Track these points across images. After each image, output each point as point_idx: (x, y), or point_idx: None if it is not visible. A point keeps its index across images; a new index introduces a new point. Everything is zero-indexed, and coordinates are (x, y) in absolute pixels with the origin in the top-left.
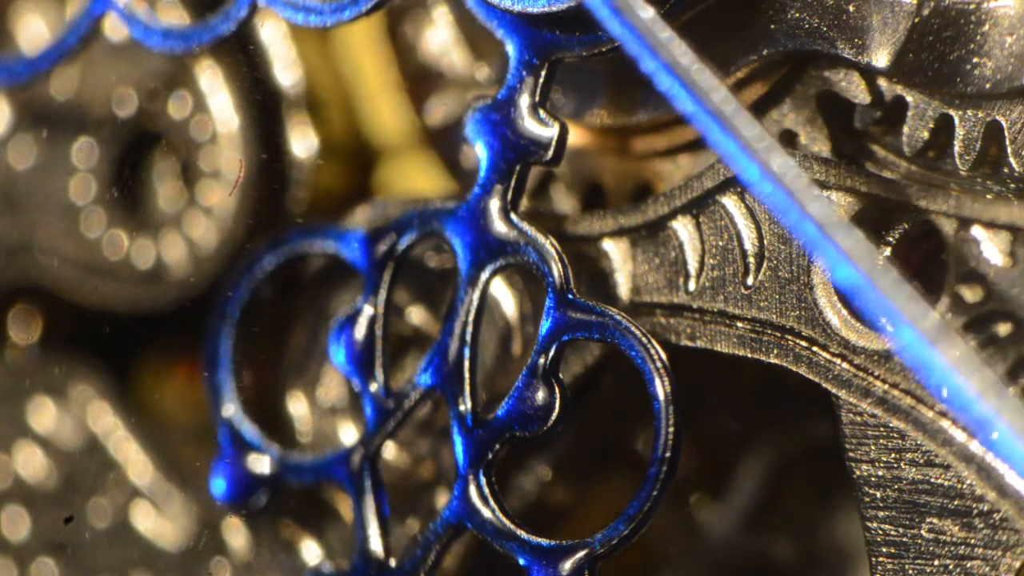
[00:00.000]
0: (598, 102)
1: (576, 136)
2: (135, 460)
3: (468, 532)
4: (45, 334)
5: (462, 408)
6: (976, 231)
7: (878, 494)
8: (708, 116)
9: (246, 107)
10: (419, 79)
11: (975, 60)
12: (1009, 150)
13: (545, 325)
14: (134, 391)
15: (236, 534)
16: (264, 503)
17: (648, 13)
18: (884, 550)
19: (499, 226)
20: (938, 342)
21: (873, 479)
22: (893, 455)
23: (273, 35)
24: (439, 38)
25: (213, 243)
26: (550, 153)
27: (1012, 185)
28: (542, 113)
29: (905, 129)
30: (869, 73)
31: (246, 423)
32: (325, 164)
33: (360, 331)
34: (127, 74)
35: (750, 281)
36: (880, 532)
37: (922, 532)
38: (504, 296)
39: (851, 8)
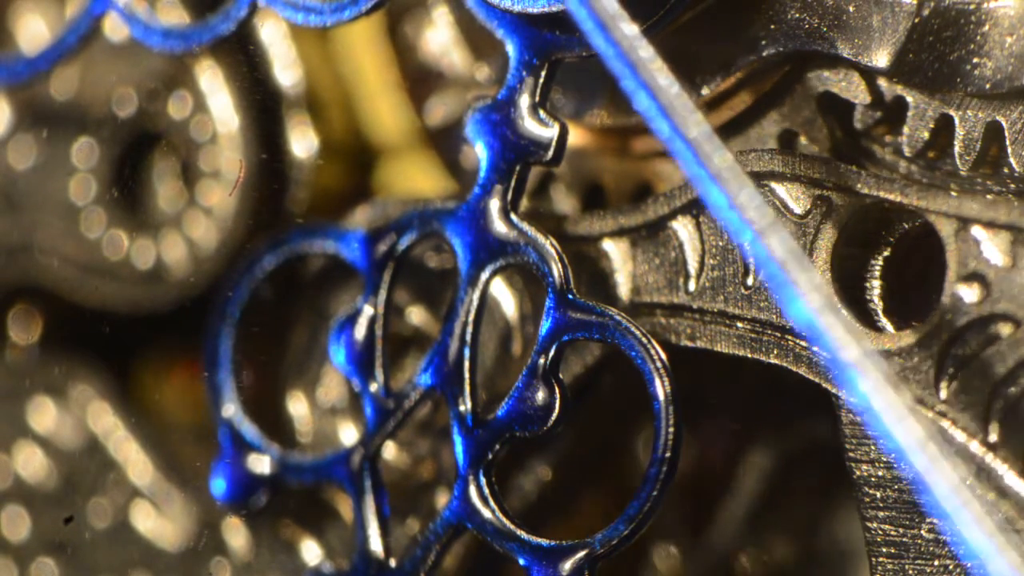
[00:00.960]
0: (598, 102)
1: (576, 136)
2: (135, 460)
3: (468, 532)
4: (45, 334)
5: (462, 408)
6: (976, 231)
7: (878, 494)
8: (682, 141)
9: (246, 107)
10: (419, 79)
11: (975, 60)
12: (1009, 150)
13: (545, 325)
14: (134, 391)
15: (236, 534)
16: (264, 503)
17: (632, 30)
18: (884, 550)
19: (499, 226)
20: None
21: (873, 479)
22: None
23: (273, 35)
24: (439, 38)
25: (213, 243)
26: (550, 153)
27: (1012, 185)
28: (542, 113)
29: (905, 129)
30: (869, 73)
31: (246, 423)
32: (325, 164)
33: (360, 331)
34: (127, 74)
35: (750, 281)
36: (880, 532)
37: (922, 532)
38: (504, 296)
39: (851, 8)
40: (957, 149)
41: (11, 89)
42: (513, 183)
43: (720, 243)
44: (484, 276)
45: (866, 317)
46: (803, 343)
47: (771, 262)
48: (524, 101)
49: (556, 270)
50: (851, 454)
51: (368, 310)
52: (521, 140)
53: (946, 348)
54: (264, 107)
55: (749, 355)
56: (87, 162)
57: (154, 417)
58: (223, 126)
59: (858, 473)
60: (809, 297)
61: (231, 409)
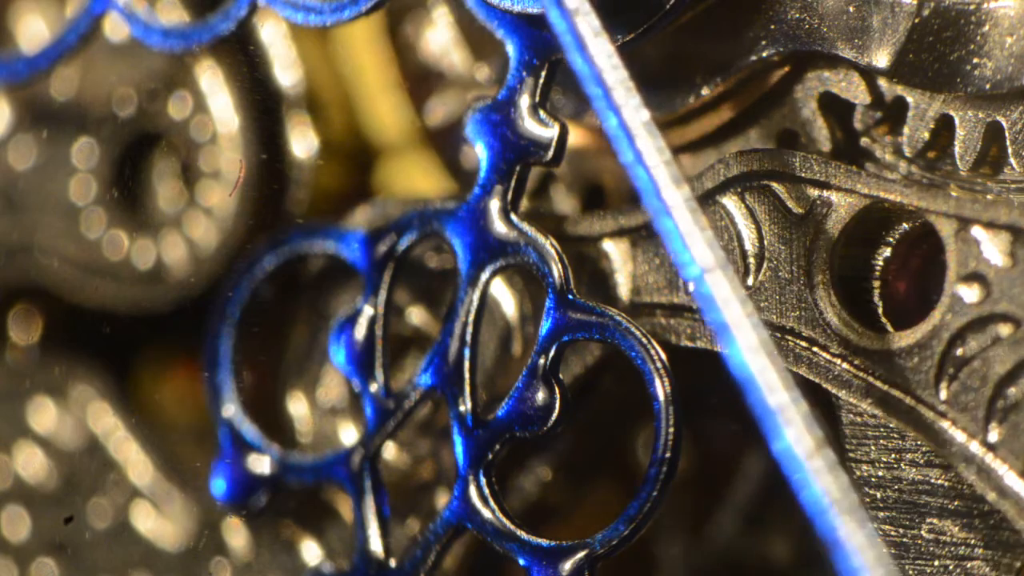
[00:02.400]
0: None
1: (576, 136)
2: (135, 460)
3: (468, 532)
4: (45, 334)
5: (462, 408)
6: (976, 231)
7: (878, 494)
8: (644, 169)
9: (246, 107)
10: (419, 79)
11: (975, 61)
12: (1009, 150)
13: (545, 326)
14: (134, 391)
15: (236, 534)
16: (264, 503)
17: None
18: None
19: (499, 226)
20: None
21: (873, 479)
22: (893, 455)
23: (273, 35)
24: (439, 38)
25: (213, 243)
26: (550, 153)
27: (1012, 185)
28: (542, 113)
29: (906, 130)
30: (869, 74)
31: (246, 423)
32: (325, 164)
33: (360, 331)
34: (127, 74)
35: (750, 281)
36: (880, 532)
37: (922, 532)
38: (504, 296)
39: (851, 9)
40: (957, 149)
41: (11, 88)
42: (513, 183)
43: (720, 243)
44: (484, 276)
45: (866, 317)
46: (803, 343)
47: (713, 303)
48: (524, 101)
49: (556, 270)
50: (851, 454)
51: (368, 310)
52: (521, 140)
53: (946, 348)
54: (264, 107)
55: None
56: (87, 162)
57: (154, 417)
58: (223, 126)
59: (858, 473)
60: (747, 343)
61: (231, 409)
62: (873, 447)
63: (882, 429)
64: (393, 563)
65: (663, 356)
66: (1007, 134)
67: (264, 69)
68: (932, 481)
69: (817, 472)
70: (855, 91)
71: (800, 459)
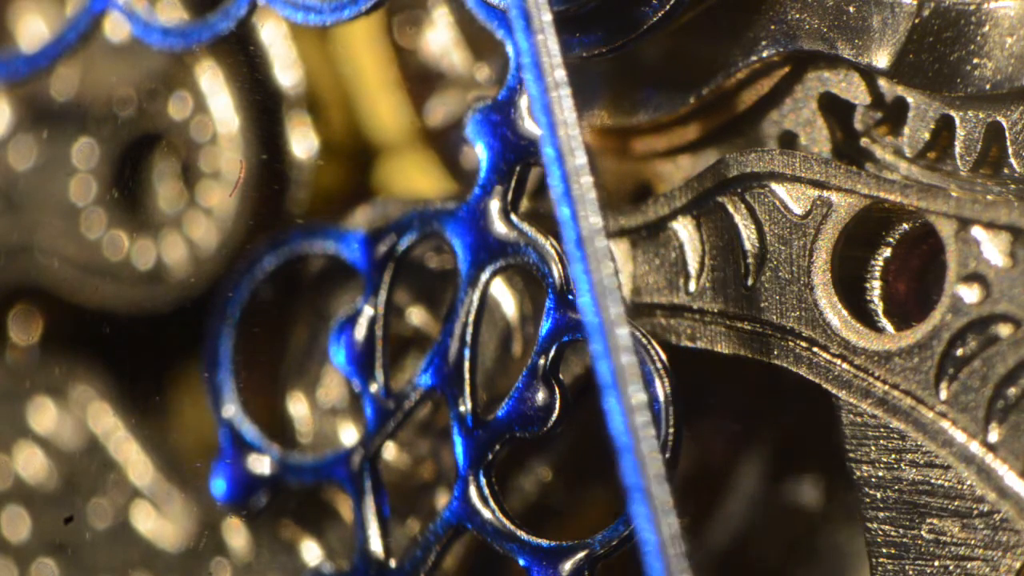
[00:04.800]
0: (598, 103)
1: None
2: (135, 461)
3: (468, 533)
4: (45, 335)
5: (462, 409)
6: (976, 232)
7: (878, 495)
8: (567, 199)
9: (246, 108)
10: (419, 79)
11: (975, 61)
12: (1010, 151)
13: (545, 326)
14: (134, 392)
15: (236, 535)
16: (264, 504)
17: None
18: (884, 551)
19: (499, 227)
20: None
21: (873, 480)
22: (893, 456)
23: (273, 36)
24: (439, 39)
25: (213, 244)
26: None
27: (1012, 186)
28: None
29: (906, 130)
30: (869, 74)
31: (246, 423)
32: (325, 164)
33: (360, 332)
34: (127, 74)
35: (750, 282)
36: (880, 533)
37: (922, 533)
38: (504, 297)
39: (851, 9)
40: (958, 150)
41: (10, 86)
42: (513, 184)
43: (720, 244)
44: (484, 277)
45: (866, 318)
46: (803, 343)
47: (605, 358)
48: (524, 102)
49: (556, 271)
50: (851, 455)
51: (368, 311)
52: (521, 141)
53: (946, 348)
54: (264, 108)
55: (749, 355)
56: (87, 162)
57: (154, 417)
58: (223, 127)
59: (858, 474)
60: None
61: (231, 409)
62: (873, 447)
63: (882, 429)
64: (393, 563)
65: (663, 356)
66: (1007, 134)
67: (264, 69)
68: (932, 481)
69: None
70: (855, 91)
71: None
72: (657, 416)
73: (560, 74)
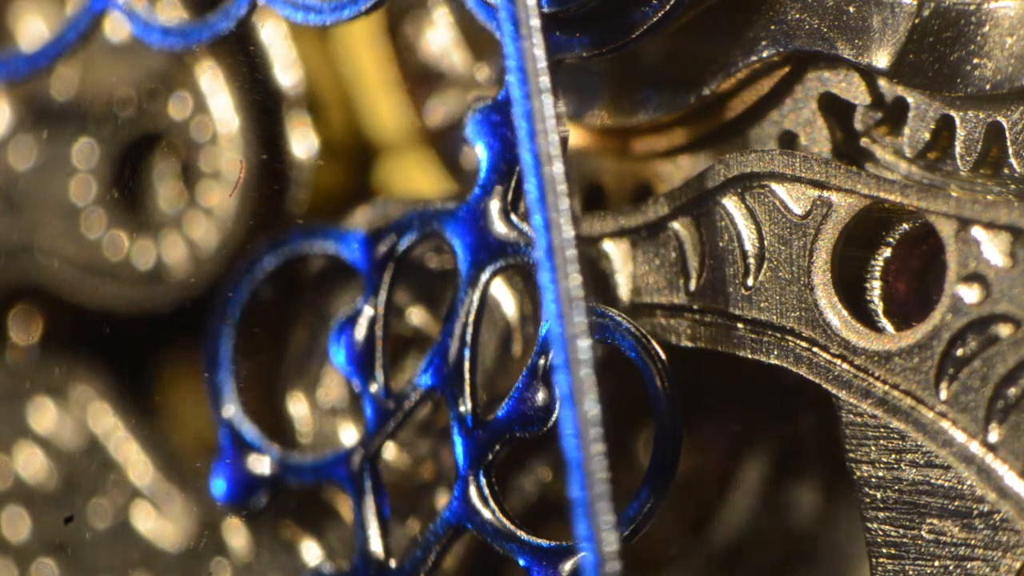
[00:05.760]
0: (598, 103)
1: (576, 137)
2: (135, 461)
3: (468, 533)
4: (45, 335)
5: (462, 409)
6: (976, 232)
7: (878, 495)
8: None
9: (246, 108)
10: (419, 79)
11: (975, 61)
12: (1010, 151)
13: (545, 326)
14: (134, 392)
15: (236, 535)
16: (264, 504)
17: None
18: (884, 551)
19: (499, 227)
20: None
21: (873, 480)
22: (893, 456)
23: (273, 36)
24: (439, 39)
25: (213, 244)
26: None
27: (1013, 186)
28: None
29: (906, 130)
30: (869, 74)
31: (246, 424)
32: (325, 164)
33: (360, 332)
34: (127, 74)
35: (750, 282)
36: (880, 533)
37: (922, 533)
38: (504, 297)
39: (851, 9)
40: (958, 150)
41: (10, 85)
42: (513, 184)
43: (720, 244)
44: (484, 277)
45: (866, 318)
46: (803, 344)
47: (564, 370)
48: None
49: None
50: (851, 455)
51: (368, 311)
52: None
53: (946, 348)
54: (264, 108)
55: (749, 355)
56: (87, 162)
57: (154, 417)
58: (223, 127)
59: (858, 474)
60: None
61: (231, 410)
62: (873, 447)
63: (882, 429)
64: (393, 563)
65: (663, 356)
66: (1007, 134)
67: (264, 69)
68: (932, 481)
69: None
70: (855, 92)
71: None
72: (657, 416)
73: (544, 81)
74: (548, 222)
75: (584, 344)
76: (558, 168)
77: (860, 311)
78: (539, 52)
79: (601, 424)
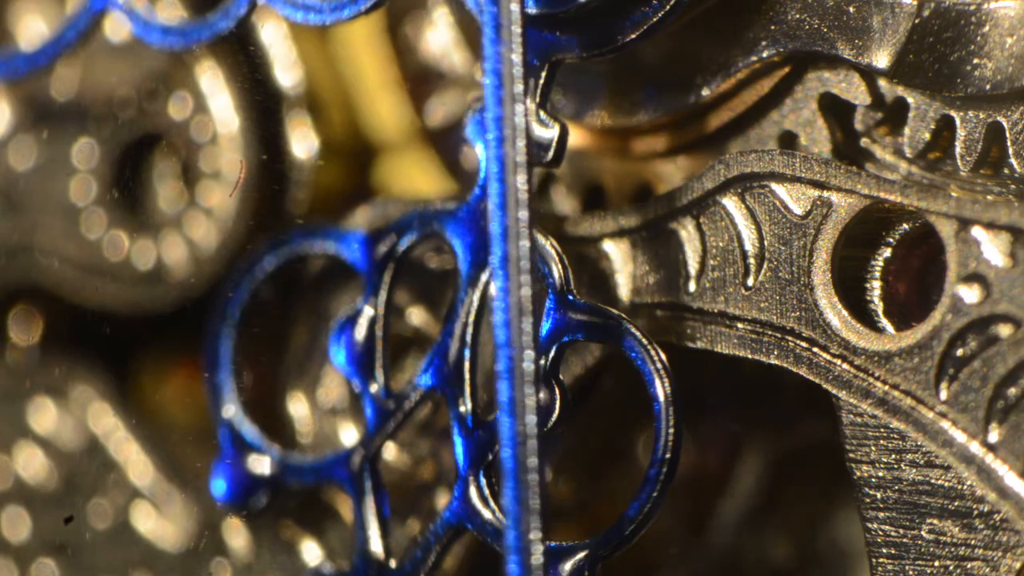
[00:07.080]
0: (598, 103)
1: (576, 137)
2: (135, 461)
3: (468, 533)
4: (46, 335)
5: (462, 409)
6: (976, 232)
7: (878, 495)
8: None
9: (247, 108)
10: (419, 79)
11: (976, 61)
12: (1010, 151)
13: (545, 326)
14: (134, 392)
15: (236, 535)
16: (264, 504)
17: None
18: (884, 551)
19: None
20: None
21: (873, 480)
22: (893, 456)
23: (273, 36)
24: (439, 39)
25: (213, 244)
26: (550, 154)
27: (1013, 186)
28: (542, 114)
29: (906, 130)
30: (870, 74)
31: (246, 424)
32: (325, 164)
33: (360, 332)
34: (127, 74)
35: (750, 282)
36: (880, 533)
37: (922, 533)
38: None
39: (851, 9)
40: (958, 150)
41: (10, 84)
42: None
43: (720, 244)
44: (484, 277)
45: (866, 318)
46: (803, 344)
47: (506, 380)
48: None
49: (556, 271)
50: (851, 455)
51: (368, 311)
52: None
53: (946, 349)
54: (265, 108)
55: (749, 356)
56: (87, 163)
57: (154, 418)
58: (223, 127)
59: (858, 474)
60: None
61: (231, 410)
62: (873, 447)
63: (882, 429)
64: (393, 564)
65: (663, 356)
66: (1008, 134)
67: (264, 69)
68: (932, 481)
69: None
70: (855, 92)
71: None
72: (657, 416)
73: (518, 89)
74: (505, 231)
75: (529, 354)
76: (521, 179)
77: (860, 311)
78: (516, 59)
79: (537, 437)
